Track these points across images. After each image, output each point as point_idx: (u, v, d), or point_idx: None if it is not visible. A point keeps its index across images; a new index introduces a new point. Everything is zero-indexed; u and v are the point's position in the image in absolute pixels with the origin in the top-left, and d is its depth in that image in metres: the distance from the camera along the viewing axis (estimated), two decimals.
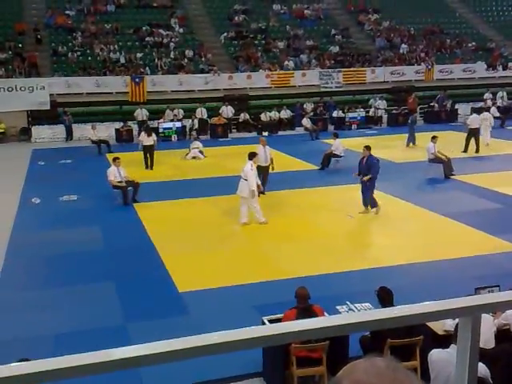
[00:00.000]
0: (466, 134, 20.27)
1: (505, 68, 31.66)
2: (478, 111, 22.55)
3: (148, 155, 18.78)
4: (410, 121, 22.69)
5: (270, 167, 14.52)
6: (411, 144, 21.59)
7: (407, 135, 21.76)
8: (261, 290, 9.01)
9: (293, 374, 6.21)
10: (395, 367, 1.09)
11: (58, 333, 7.76)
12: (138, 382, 6.40)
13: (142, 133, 19.83)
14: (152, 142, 18.90)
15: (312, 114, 26.42)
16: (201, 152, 20.44)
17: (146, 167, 18.77)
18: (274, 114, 26.36)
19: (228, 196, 14.80)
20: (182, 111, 25.60)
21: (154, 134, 19.42)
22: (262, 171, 14.20)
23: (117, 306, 8.65)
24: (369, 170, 12.79)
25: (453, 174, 16.39)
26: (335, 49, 31.17)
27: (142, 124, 23.93)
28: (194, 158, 20.23)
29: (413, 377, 1.10)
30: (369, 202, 12.86)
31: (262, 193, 14.11)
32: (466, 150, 19.84)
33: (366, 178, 12.77)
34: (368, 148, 13.03)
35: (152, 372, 6.19)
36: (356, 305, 8.32)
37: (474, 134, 19.85)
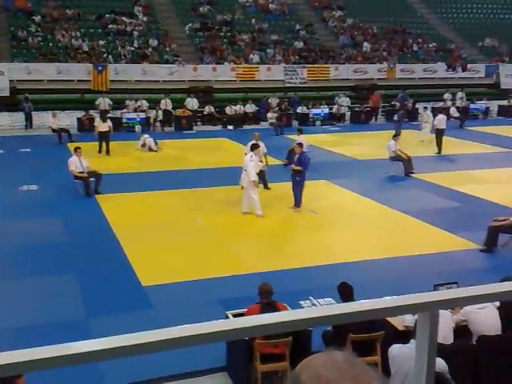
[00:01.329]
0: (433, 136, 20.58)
1: (464, 69, 32.40)
2: (435, 111, 22.94)
3: (103, 141, 18.82)
4: (397, 117, 22.94)
5: (264, 161, 14.75)
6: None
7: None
8: (225, 285, 9.03)
9: (256, 370, 6.28)
10: (353, 361, 1.09)
11: (18, 326, 7.61)
12: (99, 377, 6.37)
13: (97, 119, 19.89)
14: (107, 128, 18.96)
15: (277, 109, 26.50)
16: (155, 142, 20.11)
17: (99, 152, 18.82)
18: (239, 108, 26.32)
19: (192, 189, 14.80)
20: (145, 102, 25.16)
21: (109, 120, 19.50)
22: None
23: (78, 300, 8.53)
24: (299, 166, 13.17)
25: (413, 172, 16.75)
26: (299, 44, 31.27)
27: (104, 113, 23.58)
28: (150, 150, 19.78)
29: (370, 371, 1.09)
30: (298, 198, 13.06)
31: (266, 187, 14.43)
32: (439, 152, 19.93)
33: (293, 167, 13.17)
34: (300, 145, 13.65)
35: (114, 366, 6.14)
36: (319, 300, 8.44)
37: (441, 134, 20.21)
